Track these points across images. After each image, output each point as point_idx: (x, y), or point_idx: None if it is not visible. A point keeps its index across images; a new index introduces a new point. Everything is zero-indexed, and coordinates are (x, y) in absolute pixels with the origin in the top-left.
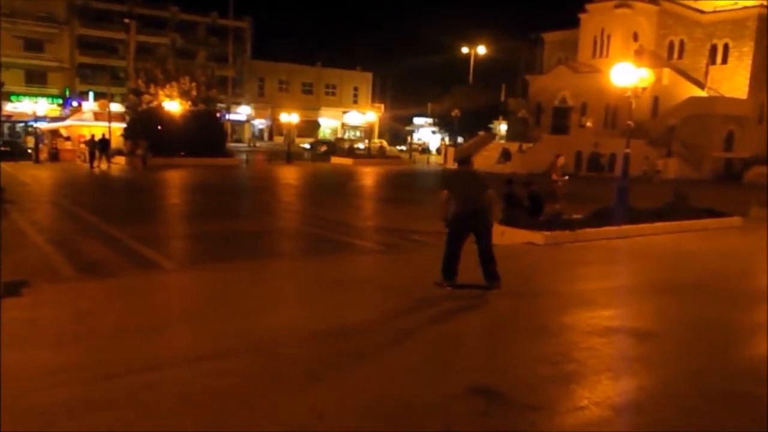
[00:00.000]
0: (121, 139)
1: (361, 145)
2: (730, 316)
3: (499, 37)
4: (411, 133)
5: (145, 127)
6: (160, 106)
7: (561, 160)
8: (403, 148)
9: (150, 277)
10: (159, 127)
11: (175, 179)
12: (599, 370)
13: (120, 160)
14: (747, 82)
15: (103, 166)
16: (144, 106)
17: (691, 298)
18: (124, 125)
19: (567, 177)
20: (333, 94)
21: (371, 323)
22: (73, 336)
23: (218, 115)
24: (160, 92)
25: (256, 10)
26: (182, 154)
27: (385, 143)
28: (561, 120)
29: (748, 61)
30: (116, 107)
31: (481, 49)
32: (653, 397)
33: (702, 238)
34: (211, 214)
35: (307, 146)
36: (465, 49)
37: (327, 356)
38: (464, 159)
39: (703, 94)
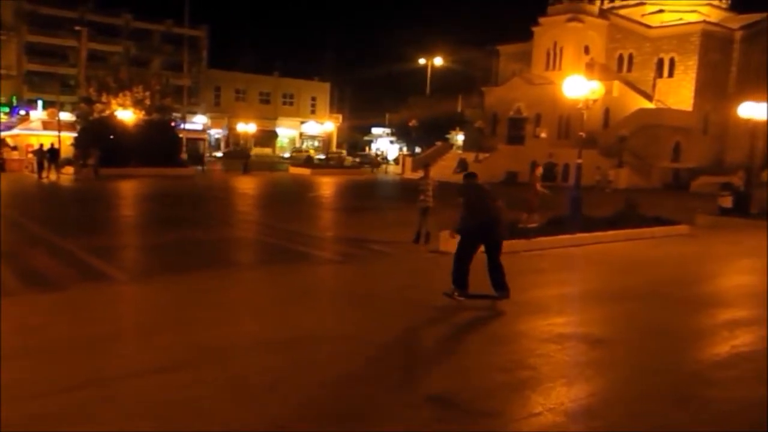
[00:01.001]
0: (71, 149)
1: (322, 155)
2: (678, 321)
3: (456, 49)
4: (369, 143)
5: (96, 137)
6: (112, 115)
7: (539, 171)
8: (357, 160)
9: (102, 290)
10: (111, 137)
11: (129, 189)
12: (553, 377)
13: (70, 171)
14: (692, 94)
15: (53, 176)
16: (96, 115)
17: (641, 304)
18: (74, 134)
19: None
20: (291, 104)
21: (330, 333)
22: (22, 350)
23: (173, 124)
24: (113, 101)
25: (213, 19)
26: (134, 163)
27: (344, 153)
28: (516, 130)
29: (692, 75)
30: (66, 116)
31: (438, 60)
32: (605, 402)
33: (651, 245)
34: (166, 224)
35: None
36: (422, 60)
37: (285, 367)
38: (470, 173)
39: (651, 106)
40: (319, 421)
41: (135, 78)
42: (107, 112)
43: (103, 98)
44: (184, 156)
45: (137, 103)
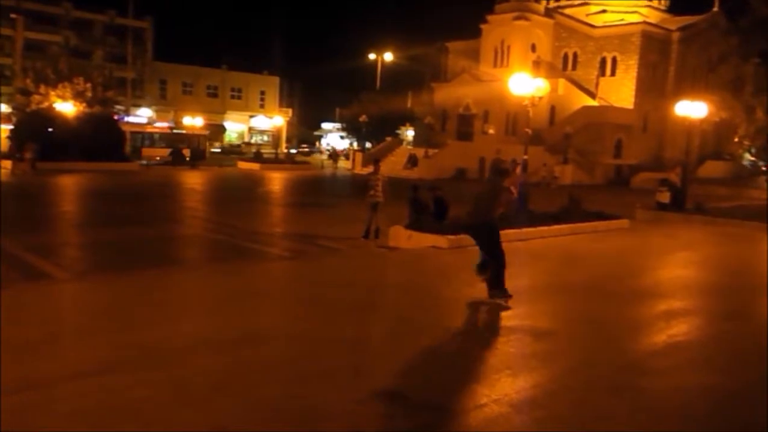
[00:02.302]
0: (6, 142)
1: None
2: (618, 312)
3: (406, 45)
4: (320, 138)
5: (34, 130)
6: (51, 108)
7: (519, 169)
8: (305, 150)
9: (40, 289)
10: (50, 130)
11: (69, 185)
12: (499, 369)
13: (6, 165)
14: (633, 93)
15: None
16: (33, 107)
17: (584, 297)
18: (10, 127)
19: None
20: (239, 97)
21: (277, 332)
22: None
23: (116, 117)
24: (52, 93)
25: (158, 10)
26: (75, 158)
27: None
28: (465, 127)
29: (633, 74)
30: (1, 108)
31: (389, 56)
32: (548, 393)
33: (594, 239)
34: (108, 221)
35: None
36: (372, 56)
37: (231, 366)
38: (500, 170)
39: (594, 103)
40: (265, 422)
41: (75, 69)
42: (45, 104)
43: (42, 90)
44: (186, 152)
45: (78, 95)
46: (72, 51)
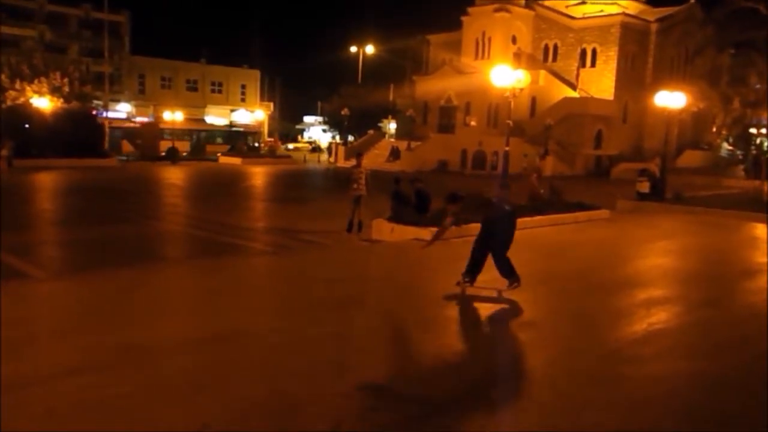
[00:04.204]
0: None
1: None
2: (599, 302)
3: (387, 38)
4: (302, 132)
5: (9, 126)
6: (27, 103)
7: (537, 162)
8: (290, 146)
9: (15, 288)
10: (26, 126)
11: (46, 182)
12: (481, 360)
13: None
14: (613, 84)
15: None
16: (9, 103)
17: (565, 287)
18: None
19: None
20: (219, 91)
21: (259, 327)
22: None
23: (94, 113)
24: (28, 88)
25: (135, 4)
26: (52, 154)
27: (277, 142)
28: (447, 119)
29: (613, 65)
30: None
31: (370, 49)
32: (531, 382)
33: (575, 229)
34: (87, 218)
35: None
36: (354, 49)
37: (212, 364)
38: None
39: (575, 95)
40: (248, 419)
41: (51, 64)
42: (21, 100)
43: (17, 85)
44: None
45: (54, 91)
46: (47, 46)
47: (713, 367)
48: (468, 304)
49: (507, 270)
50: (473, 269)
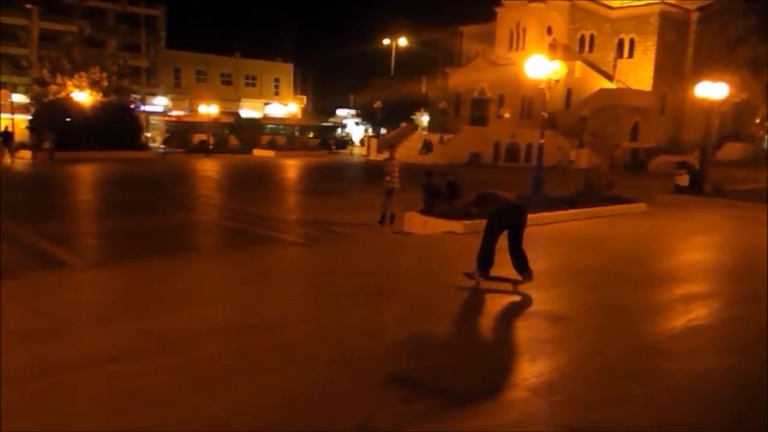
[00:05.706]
0: (26, 132)
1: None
2: (636, 296)
3: (419, 30)
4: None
5: (51, 120)
6: (68, 97)
7: (618, 151)
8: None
9: (58, 277)
10: (67, 119)
11: (86, 174)
12: (515, 353)
13: (25, 155)
14: (651, 75)
15: (7, 160)
16: (50, 97)
17: (600, 281)
18: (29, 117)
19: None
20: (253, 85)
21: (291, 317)
22: None
23: (132, 106)
24: (68, 82)
25: None
26: (91, 147)
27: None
28: (480, 111)
29: (651, 55)
30: (19, 98)
31: (402, 41)
32: (566, 377)
33: (611, 223)
34: (125, 209)
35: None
36: (386, 41)
37: (246, 352)
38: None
39: (612, 86)
40: (280, 407)
41: (90, 59)
42: (62, 94)
43: (58, 80)
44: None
45: (94, 85)
46: (86, 40)
47: (755, 363)
48: (502, 296)
49: (520, 264)
50: (486, 263)
